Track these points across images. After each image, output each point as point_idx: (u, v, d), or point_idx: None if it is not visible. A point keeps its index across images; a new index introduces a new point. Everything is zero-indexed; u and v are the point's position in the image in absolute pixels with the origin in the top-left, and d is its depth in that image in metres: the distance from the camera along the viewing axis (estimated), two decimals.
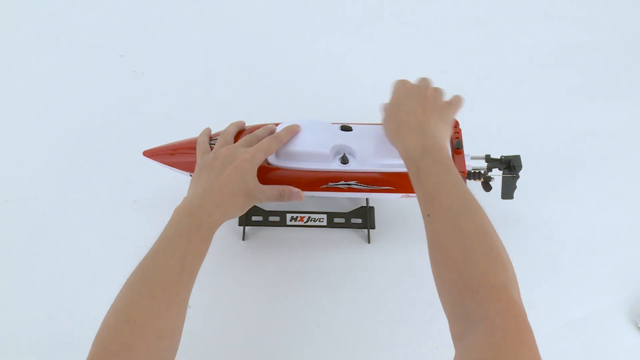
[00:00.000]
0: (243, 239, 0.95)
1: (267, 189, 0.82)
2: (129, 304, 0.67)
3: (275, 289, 0.90)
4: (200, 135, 0.88)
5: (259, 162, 0.81)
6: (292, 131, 0.86)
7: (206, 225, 0.75)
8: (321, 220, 0.96)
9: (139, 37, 1.25)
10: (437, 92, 0.84)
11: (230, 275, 0.91)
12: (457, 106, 0.85)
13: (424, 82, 0.85)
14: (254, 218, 0.96)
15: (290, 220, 0.95)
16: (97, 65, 1.20)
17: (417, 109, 0.80)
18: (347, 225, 0.96)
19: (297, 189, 0.84)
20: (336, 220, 0.96)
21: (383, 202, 0.99)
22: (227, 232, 0.96)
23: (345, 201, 1.00)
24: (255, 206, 0.96)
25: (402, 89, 0.84)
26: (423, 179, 0.73)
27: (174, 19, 1.29)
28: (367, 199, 0.97)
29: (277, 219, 0.96)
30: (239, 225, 0.95)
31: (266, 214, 0.96)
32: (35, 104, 1.13)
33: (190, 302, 0.86)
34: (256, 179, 0.81)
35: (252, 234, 0.96)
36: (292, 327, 0.86)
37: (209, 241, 0.76)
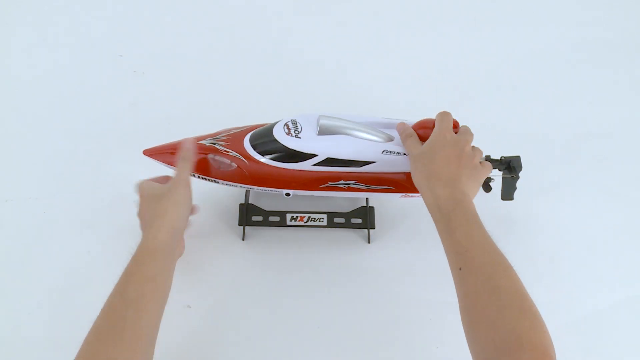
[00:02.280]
0: (243, 239, 0.95)
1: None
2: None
3: (275, 289, 0.90)
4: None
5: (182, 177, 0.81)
6: (190, 144, 0.86)
7: (144, 245, 0.74)
8: (321, 220, 0.95)
9: (139, 37, 1.25)
10: (476, 151, 0.83)
11: (230, 275, 0.91)
12: (488, 171, 0.86)
13: (466, 137, 0.82)
14: (254, 218, 0.95)
15: (290, 220, 0.95)
16: (97, 65, 1.20)
17: (452, 161, 0.79)
18: (347, 225, 0.96)
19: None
20: (336, 220, 0.96)
21: (383, 202, 0.99)
22: (227, 232, 0.96)
23: (345, 201, 1.00)
24: (255, 206, 0.96)
25: (441, 137, 0.82)
26: (454, 230, 0.73)
27: (174, 19, 1.29)
28: (367, 198, 0.97)
29: (277, 219, 0.95)
30: (239, 225, 0.95)
31: (266, 214, 0.96)
32: (35, 104, 1.13)
33: (190, 302, 0.87)
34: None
35: (252, 234, 0.96)
36: (292, 327, 0.86)
37: (157, 262, 0.73)
